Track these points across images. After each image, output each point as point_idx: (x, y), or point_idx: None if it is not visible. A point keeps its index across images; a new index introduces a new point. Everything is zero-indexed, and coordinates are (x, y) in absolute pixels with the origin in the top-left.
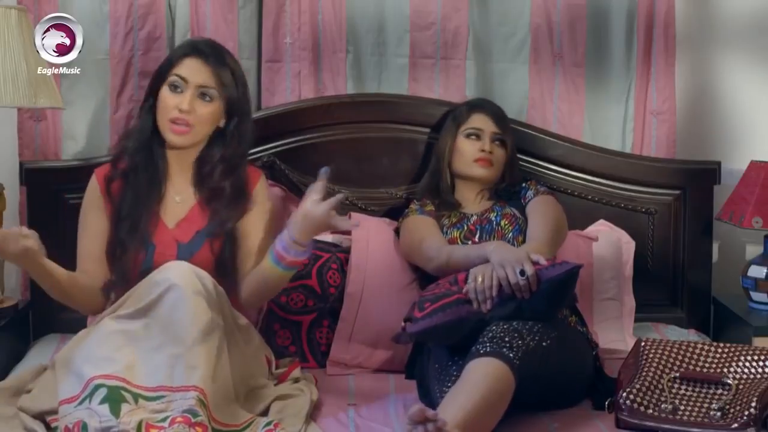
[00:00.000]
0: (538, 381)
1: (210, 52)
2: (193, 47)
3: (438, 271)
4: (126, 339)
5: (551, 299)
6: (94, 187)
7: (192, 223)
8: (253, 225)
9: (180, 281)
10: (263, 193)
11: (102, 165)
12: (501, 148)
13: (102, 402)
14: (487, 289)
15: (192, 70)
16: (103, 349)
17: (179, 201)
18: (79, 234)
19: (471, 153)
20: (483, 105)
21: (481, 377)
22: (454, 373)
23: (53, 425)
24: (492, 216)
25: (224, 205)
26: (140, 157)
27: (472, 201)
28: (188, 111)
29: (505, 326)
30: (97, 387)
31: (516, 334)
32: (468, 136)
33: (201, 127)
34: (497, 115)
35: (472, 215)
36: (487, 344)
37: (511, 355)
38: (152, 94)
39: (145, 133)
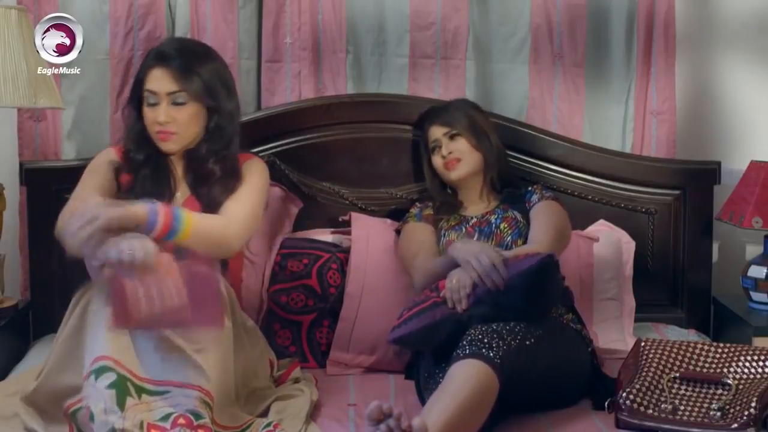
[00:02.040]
0: (527, 380)
1: (175, 55)
2: (157, 56)
3: (422, 290)
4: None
5: (528, 293)
6: (112, 156)
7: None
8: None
9: None
10: (249, 170)
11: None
12: (459, 140)
13: (109, 387)
14: (461, 288)
15: (158, 81)
16: (114, 334)
17: (178, 197)
18: (83, 184)
19: (439, 164)
20: (431, 115)
21: (463, 379)
22: (440, 379)
23: (73, 409)
24: (492, 218)
25: (216, 188)
26: (144, 158)
27: (475, 201)
28: (167, 122)
29: (483, 328)
30: (106, 369)
31: (495, 335)
32: (432, 151)
33: (185, 130)
34: (443, 116)
35: (472, 218)
36: (467, 347)
37: (491, 354)
38: (133, 103)
39: (138, 137)
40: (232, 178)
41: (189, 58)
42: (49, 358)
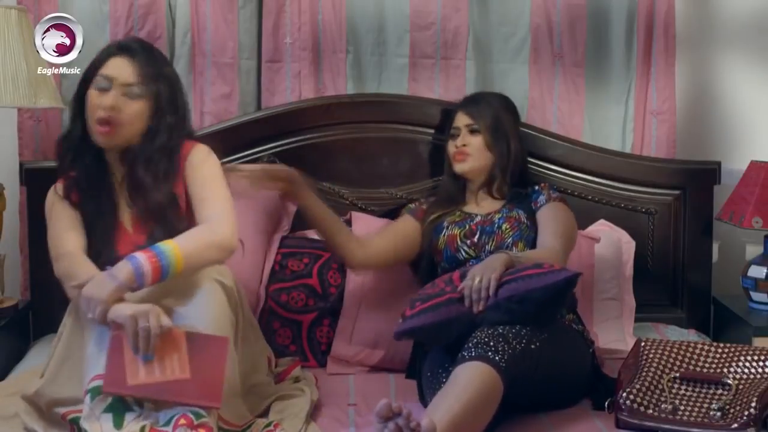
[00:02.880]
0: (532, 383)
1: (138, 48)
2: (119, 46)
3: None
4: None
5: (546, 306)
6: (57, 197)
7: (146, 221)
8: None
9: (201, 278)
10: (201, 160)
11: (58, 180)
12: (476, 136)
13: (106, 411)
14: (483, 289)
15: (118, 68)
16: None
17: (127, 221)
18: (56, 234)
19: (451, 151)
20: (463, 103)
21: (468, 381)
22: (444, 380)
23: (72, 417)
24: (496, 218)
25: (148, 190)
26: (83, 165)
27: (477, 199)
28: (113, 108)
29: (489, 331)
30: (101, 391)
31: (501, 339)
32: (452, 137)
33: (128, 126)
34: (472, 105)
35: (476, 215)
36: (473, 350)
37: (497, 358)
38: (78, 98)
39: (75, 139)
40: (163, 181)
41: (154, 56)
42: (47, 367)
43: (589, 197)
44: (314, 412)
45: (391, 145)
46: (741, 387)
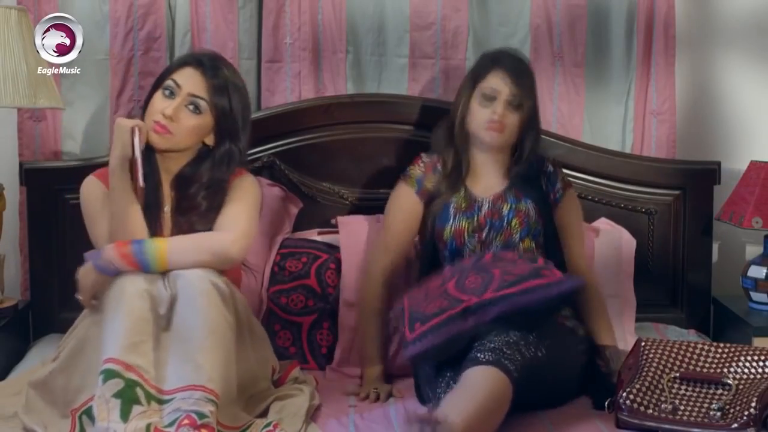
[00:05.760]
0: (534, 387)
1: (210, 65)
2: (193, 57)
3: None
4: (156, 331)
5: (548, 311)
6: (100, 188)
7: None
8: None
9: (197, 281)
10: (240, 187)
11: (99, 169)
12: (516, 113)
13: (116, 396)
14: None
15: (188, 78)
16: (132, 334)
17: (167, 211)
18: (95, 226)
19: (483, 118)
20: (504, 60)
21: (482, 385)
22: (447, 378)
23: (81, 411)
24: (504, 210)
25: (199, 217)
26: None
27: (482, 175)
28: (171, 117)
29: (505, 338)
30: (114, 374)
31: (514, 346)
32: (483, 97)
33: (183, 137)
34: (517, 72)
35: (483, 202)
36: (488, 353)
37: (512, 368)
38: (148, 101)
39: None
40: (213, 212)
41: (227, 76)
42: (62, 352)
43: (589, 197)
44: (315, 413)
45: (391, 145)
46: (741, 387)
